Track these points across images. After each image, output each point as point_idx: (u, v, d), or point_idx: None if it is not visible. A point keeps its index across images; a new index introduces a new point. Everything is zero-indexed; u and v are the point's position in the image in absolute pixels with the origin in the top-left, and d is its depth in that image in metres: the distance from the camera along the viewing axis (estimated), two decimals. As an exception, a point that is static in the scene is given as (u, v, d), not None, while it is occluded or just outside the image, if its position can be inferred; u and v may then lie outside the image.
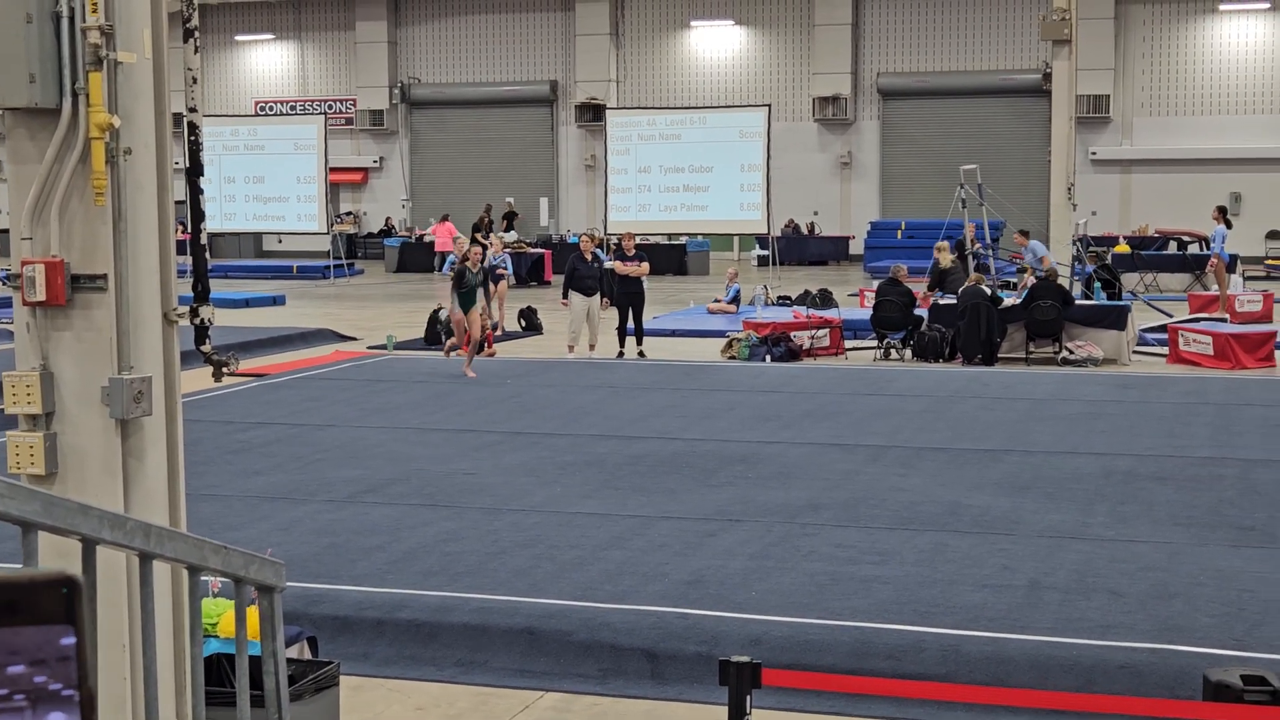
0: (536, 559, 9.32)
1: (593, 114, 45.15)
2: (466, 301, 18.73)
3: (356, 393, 17.14)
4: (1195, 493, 11.24)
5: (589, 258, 20.99)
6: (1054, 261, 23.82)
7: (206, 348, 6.08)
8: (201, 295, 6.10)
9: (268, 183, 37.67)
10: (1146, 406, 15.66)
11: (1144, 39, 42.92)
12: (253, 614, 4.78)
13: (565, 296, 20.94)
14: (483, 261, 19.86)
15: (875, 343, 21.76)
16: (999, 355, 20.66)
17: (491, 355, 21.09)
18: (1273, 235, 42.29)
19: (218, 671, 5.96)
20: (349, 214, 47.94)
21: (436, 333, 23.39)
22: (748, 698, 5.55)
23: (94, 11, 5.21)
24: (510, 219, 43.34)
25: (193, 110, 5.97)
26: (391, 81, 48.18)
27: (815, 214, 45.16)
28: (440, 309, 24.32)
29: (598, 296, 20.87)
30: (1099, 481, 11.64)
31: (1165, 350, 21.48)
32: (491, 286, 24.53)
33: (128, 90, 5.34)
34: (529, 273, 36.68)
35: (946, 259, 23.37)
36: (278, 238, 44.80)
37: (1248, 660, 7.07)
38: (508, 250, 28.48)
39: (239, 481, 11.89)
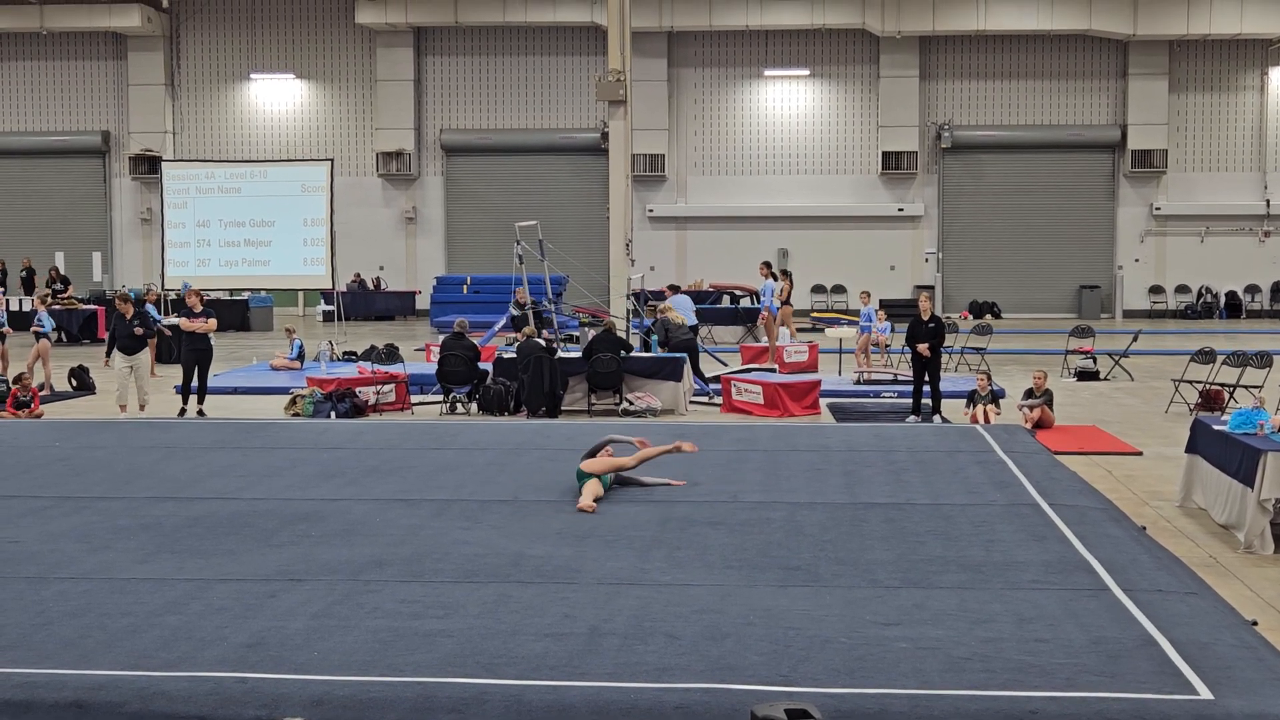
0: (86, 629, 8.91)
1: (148, 166, 43.84)
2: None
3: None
4: (746, 536, 11.69)
5: (129, 316, 20.51)
6: (612, 315, 24.46)
7: None
8: None
9: None
10: (702, 455, 16.16)
11: (695, 101, 44.74)
12: None
13: (109, 355, 20.49)
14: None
15: (441, 397, 21.85)
16: (562, 407, 21.05)
17: (38, 416, 20.17)
18: (818, 289, 44.65)
19: None
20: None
21: (-24, 394, 22.15)
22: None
23: None
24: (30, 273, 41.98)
25: None
26: (-72, 129, 45.62)
27: (381, 269, 45.10)
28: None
29: (144, 354, 20.44)
30: (656, 528, 11.96)
31: (720, 400, 22.35)
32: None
33: None
34: (81, 330, 35.30)
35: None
36: None
37: (794, 695, 7.40)
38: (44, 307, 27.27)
39: None
